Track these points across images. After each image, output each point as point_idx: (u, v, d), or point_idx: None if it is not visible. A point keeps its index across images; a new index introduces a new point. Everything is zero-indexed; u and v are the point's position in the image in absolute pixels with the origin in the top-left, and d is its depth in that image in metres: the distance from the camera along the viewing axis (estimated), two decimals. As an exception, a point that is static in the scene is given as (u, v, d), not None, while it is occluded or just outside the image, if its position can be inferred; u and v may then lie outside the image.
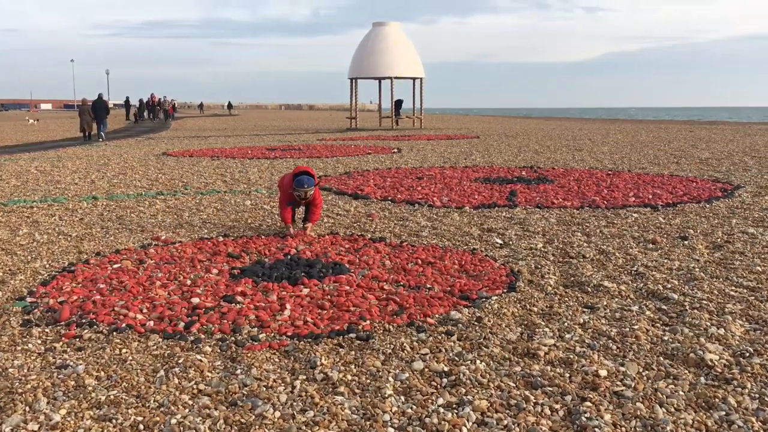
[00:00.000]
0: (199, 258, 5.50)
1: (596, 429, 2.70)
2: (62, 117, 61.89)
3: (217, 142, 22.47)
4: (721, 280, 4.90)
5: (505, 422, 2.78)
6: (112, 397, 3.00)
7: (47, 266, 5.36)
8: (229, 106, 78.60)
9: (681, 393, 3.04)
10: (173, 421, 2.78)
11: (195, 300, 4.33)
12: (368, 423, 2.78)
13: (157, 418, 2.81)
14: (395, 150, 17.50)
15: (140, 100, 46.17)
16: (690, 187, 9.66)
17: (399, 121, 35.37)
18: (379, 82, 36.24)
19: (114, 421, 2.79)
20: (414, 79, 34.71)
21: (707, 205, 8.16)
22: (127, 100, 49.31)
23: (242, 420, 2.80)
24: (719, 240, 6.21)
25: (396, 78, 33.81)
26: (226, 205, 8.32)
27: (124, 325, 3.91)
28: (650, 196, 8.81)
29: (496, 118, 68.55)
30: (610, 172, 11.71)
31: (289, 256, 5.53)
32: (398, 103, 35.26)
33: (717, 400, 2.98)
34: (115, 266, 5.25)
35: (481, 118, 62.58)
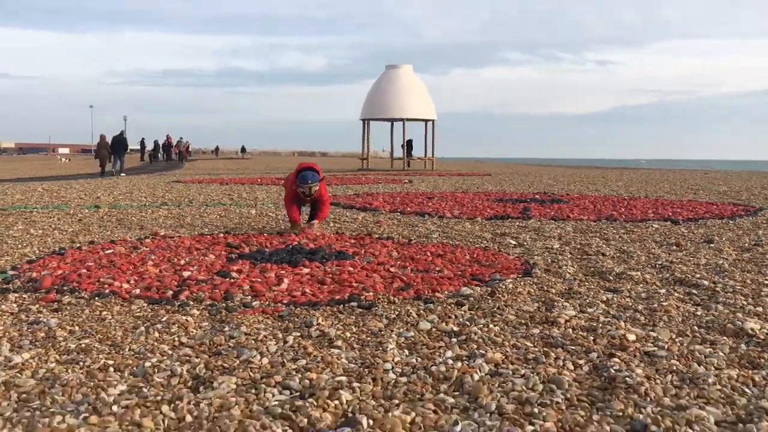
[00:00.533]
0: (197, 246, 5.22)
1: (627, 379, 2.35)
2: (87, 158, 62.46)
3: (228, 176, 22.41)
4: (753, 273, 4.55)
5: (522, 372, 2.45)
6: (83, 345, 2.70)
7: (37, 252, 5.10)
8: (243, 150, 79.14)
9: (721, 354, 2.69)
10: (147, 364, 2.46)
11: (186, 273, 4.03)
12: (367, 370, 2.45)
13: (130, 362, 2.50)
14: (407, 181, 17.29)
15: (155, 142, 46.56)
16: (711, 208, 9.33)
17: (410, 162, 35.26)
18: (392, 125, 36.31)
19: (81, 363, 2.48)
20: (426, 121, 34.79)
21: (731, 221, 7.81)
22: (142, 142, 49.75)
23: (225, 365, 2.48)
24: (746, 245, 5.86)
25: (408, 120, 33.90)
26: (230, 214, 8.07)
27: (108, 291, 3.62)
28: (670, 213, 8.48)
29: (507, 164, 68.55)
30: (626, 198, 11.39)
31: (291, 246, 5.24)
32: (409, 143, 35.08)
33: (763, 360, 2.63)
34: (108, 251, 4.98)
35: (492, 165, 62.55)
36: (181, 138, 47.11)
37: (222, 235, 6.01)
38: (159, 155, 45.19)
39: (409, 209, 8.52)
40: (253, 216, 7.82)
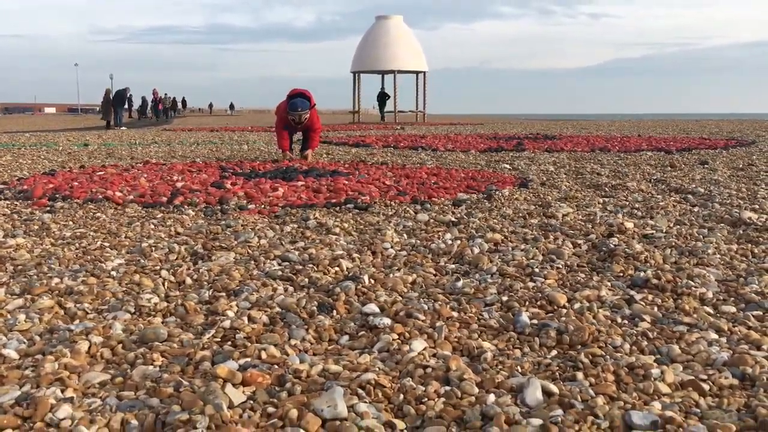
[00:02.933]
0: (189, 169, 5.17)
1: (626, 251, 2.35)
2: (75, 117, 61.70)
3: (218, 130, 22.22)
4: (748, 184, 4.55)
5: (523, 247, 2.44)
6: (78, 233, 2.67)
7: (27, 174, 5.03)
8: (231, 107, 78.89)
9: (720, 235, 2.69)
10: (144, 244, 2.43)
11: (180, 185, 3.99)
12: (366, 248, 2.43)
13: (126, 243, 2.47)
14: (398, 127, 17.18)
15: (143, 98, 45.81)
16: (704, 142, 9.31)
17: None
18: (382, 77, 35.90)
19: (77, 245, 2.45)
20: (417, 73, 34.43)
21: (724, 151, 7.80)
22: (129, 97, 48.90)
23: (223, 245, 2.46)
24: (741, 165, 5.86)
25: (399, 72, 33.52)
26: (222, 148, 7.99)
27: (101, 197, 3.58)
28: (663, 146, 8.46)
29: (500, 118, 68.07)
30: (619, 136, 11.36)
31: (285, 168, 5.19)
32: (383, 96, 34.19)
33: (762, 239, 2.63)
34: (99, 173, 4.92)
35: (483, 118, 62.11)
36: (166, 94, 46.32)
37: (214, 161, 5.95)
38: (147, 112, 44.65)
39: (402, 145, 8.46)
40: (245, 150, 7.74)
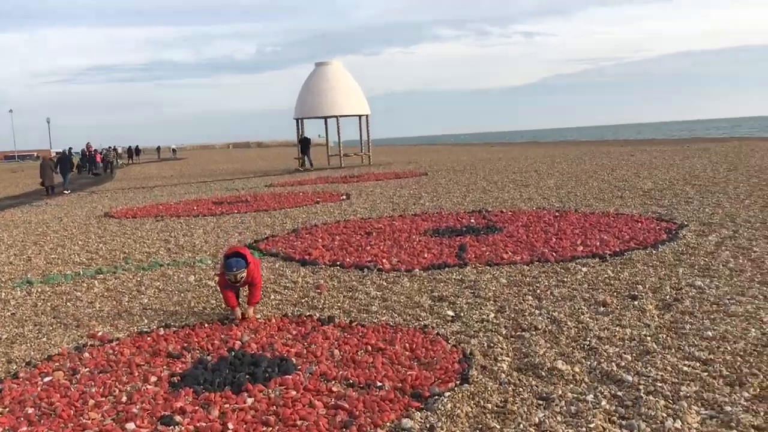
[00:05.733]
0: (137, 362, 5.21)
1: None
2: (7, 170, 60.00)
3: (163, 195, 22.04)
4: (673, 351, 4.85)
5: None
6: None
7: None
8: (174, 151, 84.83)
9: None
10: None
11: (130, 426, 4.05)
12: None
13: None
14: (344, 197, 17.34)
15: (82, 151, 45.26)
16: (636, 230, 9.74)
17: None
18: (325, 121, 36.20)
19: None
20: (360, 116, 34.83)
21: (654, 252, 8.20)
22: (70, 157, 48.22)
23: None
24: (668, 297, 6.20)
25: (341, 117, 33.87)
26: (169, 284, 8.00)
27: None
28: (598, 244, 8.84)
29: (443, 147, 69.35)
30: (557, 213, 11.76)
31: (233, 352, 5.29)
32: (306, 142, 34.36)
33: None
34: (47, 379, 4.93)
35: (428, 149, 63.17)
36: (108, 147, 45.81)
37: (162, 332, 6.00)
38: (88, 167, 43.79)
39: (348, 260, 8.62)
40: (192, 286, 7.78)
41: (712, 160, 22.69)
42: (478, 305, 6.33)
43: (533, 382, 4.44)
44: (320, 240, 10.31)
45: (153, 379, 4.84)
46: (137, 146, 69.91)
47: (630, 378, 4.39)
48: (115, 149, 56.42)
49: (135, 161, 63.77)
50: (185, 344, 5.60)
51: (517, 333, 5.48)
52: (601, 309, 5.99)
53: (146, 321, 6.49)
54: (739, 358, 4.63)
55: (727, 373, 4.40)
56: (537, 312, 6.00)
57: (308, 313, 6.37)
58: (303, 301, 6.88)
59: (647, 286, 6.66)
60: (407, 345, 5.28)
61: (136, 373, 4.97)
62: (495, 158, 33.85)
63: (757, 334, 5.09)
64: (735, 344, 4.90)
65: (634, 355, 4.82)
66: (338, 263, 8.53)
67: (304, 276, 8.01)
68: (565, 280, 7.09)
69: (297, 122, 35.12)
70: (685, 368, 4.52)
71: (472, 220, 11.51)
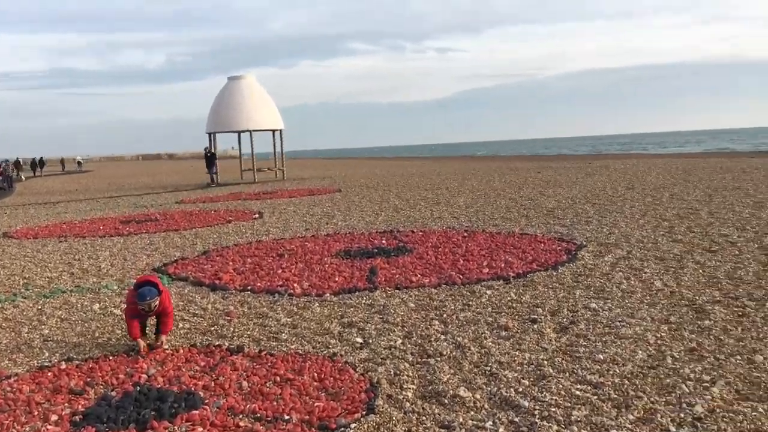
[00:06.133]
0: (37, 399, 5.06)
1: None
2: None
3: (67, 212, 21.22)
4: (567, 375, 5.13)
5: None
6: None
7: None
8: (79, 164, 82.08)
9: None
10: None
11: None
12: None
13: None
14: (256, 215, 17.22)
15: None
16: (539, 250, 10.17)
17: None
18: (239, 135, 35.83)
19: None
20: (273, 131, 34.64)
21: (554, 273, 8.60)
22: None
23: None
24: (565, 320, 6.53)
25: (254, 131, 33.61)
26: (72, 312, 7.76)
27: None
28: (503, 265, 9.19)
29: (358, 161, 69.69)
30: (465, 234, 12.12)
31: (138, 387, 5.21)
32: (212, 158, 34.05)
33: None
34: (-62, 423, 4.72)
35: (344, 163, 63.39)
36: (7, 160, 43.64)
37: (64, 366, 5.83)
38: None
39: (259, 285, 8.61)
40: (96, 315, 7.58)
41: (612, 178, 23.90)
42: (386, 331, 6.48)
43: (436, 410, 4.61)
44: (231, 263, 10.24)
45: (54, 418, 4.71)
46: (41, 158, 67.18)
47: (526, 403, 4.63)
48: (17, 161, 53.85)
49: (38, 174, 61.49)
50: (88, 379, 5.48)
51: (423, 359, 5.66)
52: (503, 333, 6.26)
53: (47, 354, 6.29)
54: (626, 381, 4.97)
55: (615, 396, 4.72)
56: (443, 337, 6.21)
57: (217, 343, 6.35)
58: (212, 329, 6.84)
59: (546, 308, 6.99)
60: (316, 375, 5.35)
61: (36, 412, 4.83)
62: (408, 174, 34.40)
63: (643, 356, 5.46)
64: (623, 367, 5.25)
65: (531, 379, 5.08)
66: (249, 288, 8.51)
67: (214, 302, 7.95)
68: (471, 303, 7.35)
69: (210, 136, 34.60)
70: (578, 392, 4.80)
71: (384, 241, 11.70)
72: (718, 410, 4.39)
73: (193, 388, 5.15)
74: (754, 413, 4.32)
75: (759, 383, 4.79)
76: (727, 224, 11.89)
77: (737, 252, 9.38)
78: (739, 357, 5.33)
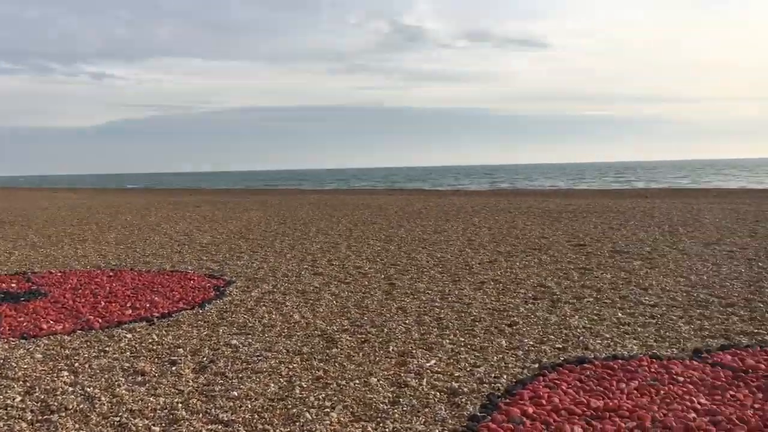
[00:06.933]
0: None
1: None
2: None
3: None
4: (200, 416, 5.14)
5: None
6: None
7: None
8: None
9: None
10: None
11: None
12: None
13: None
14: None
15: None
16: (187, 288, 10.07)
17: None
18: None
19: None
20: None
21: (200, 311, 8.59)
22: None
23: None
24: (205, 359, 6.55)
25: None
26: None
27: None
28: (148, 305, 8.89)
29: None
30: (111, 274, 11.47)
31: None
32: None
33: None
34: None
35: (-24, 192, 55.69)
36: None
37: None
38: None
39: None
40: None
41: (267, 213, 24.83)
42: (3, 388, 5.79)
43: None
44: None
45: None
46: None
47: (154, 452, 4.52)
48: None
49: None
50: None
51: (45, 416, 5.17)
52: (139, 378, 6.04)
53: None
54: (256, 416, 5.15)
55: (245, 431, 4.86)
56: (70, 389, 5.75)
57: None
58: None
59: (188, 348, 6.94)
60: None
61: None
62: (55, 206, 31.45)
63: (275, 388, 5.72)
64: (255, 401, 5.43)
65: (162, 425, 4.97)
66: None
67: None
68: (108, 349, 6.95)
69: None
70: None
71: (13, 284, 10.48)
72: (334, 434, 4.80)
73: None
74: (364, 432, 4.81)
75: (371, 404, 5.35)
76: (361, 257, 13.17)
77: (366, 282, 10.44)
78: (357, 381, 5.90)
